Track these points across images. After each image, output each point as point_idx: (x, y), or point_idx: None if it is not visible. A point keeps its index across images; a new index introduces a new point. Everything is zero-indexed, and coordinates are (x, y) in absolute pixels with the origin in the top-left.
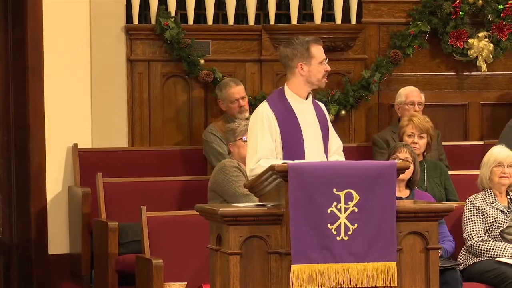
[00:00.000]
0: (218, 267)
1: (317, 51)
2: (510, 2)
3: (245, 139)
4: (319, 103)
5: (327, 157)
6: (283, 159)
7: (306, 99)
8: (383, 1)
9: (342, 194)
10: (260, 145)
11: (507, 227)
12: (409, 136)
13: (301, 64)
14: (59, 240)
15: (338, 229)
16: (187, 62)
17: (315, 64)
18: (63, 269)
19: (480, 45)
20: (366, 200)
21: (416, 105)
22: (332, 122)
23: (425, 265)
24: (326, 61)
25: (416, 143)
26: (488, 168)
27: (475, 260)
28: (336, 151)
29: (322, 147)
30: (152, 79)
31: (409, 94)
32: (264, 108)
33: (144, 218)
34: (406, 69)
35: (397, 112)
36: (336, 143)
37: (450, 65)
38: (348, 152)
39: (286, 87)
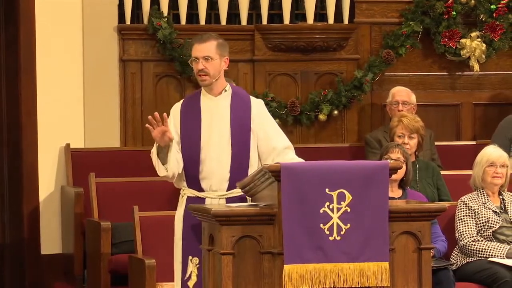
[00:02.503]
0: (210, 267)
1: (193, 49)
2: (502, 2)
3: None
4: (253, 99)
5: (241, 154)
6: (182, 151)
7: (221, 94)
8: (376, 1)
9: (334, 194)
10: None
11: (500, 227)
12: (399, 136)
13: (190, 61)
14: (51, 240)
15: (330, 229)
16: (180, 62)
17: (191, 62)
18: (55, 269)
19: (473, 45)
20: (358, 200)
21: (401, 104)
22: (324, 122)
23: (418, 265)
24: (205, 58)
25: (407, 144)
26: (481, 168)
27: (468, 260)
28: (284, 152)
29: (228, 143)
30: (144, 79)
31: (396, 93)
32: (177, 103)
33: (137, 218)
34: (398, 69)
35: (388, 112)
36: (281, 143)
37: (443, 65)
38: (340, 152)
39: None
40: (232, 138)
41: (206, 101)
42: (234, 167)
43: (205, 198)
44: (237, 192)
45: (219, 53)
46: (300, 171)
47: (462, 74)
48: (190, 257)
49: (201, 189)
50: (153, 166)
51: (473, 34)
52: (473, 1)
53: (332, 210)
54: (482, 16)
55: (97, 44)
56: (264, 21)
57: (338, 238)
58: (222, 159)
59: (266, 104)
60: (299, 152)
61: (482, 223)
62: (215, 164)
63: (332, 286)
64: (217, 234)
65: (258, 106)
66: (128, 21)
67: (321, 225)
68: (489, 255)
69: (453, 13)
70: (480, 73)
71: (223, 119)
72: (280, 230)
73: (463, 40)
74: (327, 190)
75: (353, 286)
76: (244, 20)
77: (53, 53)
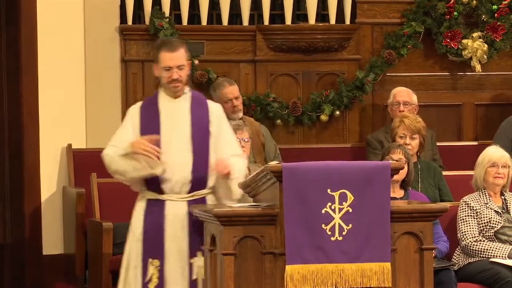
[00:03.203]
0: (212, 267)
1: (163, 57)
2: (504, 2)
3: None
4: (211, 103)
5: (201, 156)
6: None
7: (180, 97)
8: (377, 1)
9: (336, 194)
10: (116, 135)
11: (502, 227)
12: (401, 137)
13: (154, 66)
14: (53, 240)
15: (332, 229)
16: None
17: (160, 69)
18: (57, 270)
19: (474, 45)
20: (360, 201)
21: (402, 104)
22: (326, 122)
23: (420, 265)
24: (181, 67)
25: (408, 144)
26: (483, 168)
27: (470, 261)
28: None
29: (188, 145)
30: (146, 79)
31: (397, 94)
32: (136, 104)
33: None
34: (400, 69)
35: (389, 113)
36: (231, 151)
37: (444, 66)
38: (342, 153)
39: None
40: (192, 140)
41: (165, 103)
42: (195, 169)
43: (165, 201)
44: (199, 194)
45: (187, 58)
46: (302, 171)
47: (464, 75)
48: (150, 259)
49: (162, 192)
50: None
51: (475, 35)
52: (474, 2)
53: (334, 210)
54: (483, 16)
55: (98, 45)
56: (266, 21)
57: (340, 238)
58: (184, 161)
59: (268, 105)
60: (300, 152)
61: (484, 223)
62: (176, 166)
63: (334, 287)
64: (218, 234)
65: (217, 110)
66: (129, 22)
67: (323, 225)
68: (491, 255)
69: (455, 13)
70: (481, 73)
71: (183, 122)
72: (281, 231)
73: (464, 41)
74: (329, 190)
75: (355, 287)
76: (245, 21)
77: (54, 53)
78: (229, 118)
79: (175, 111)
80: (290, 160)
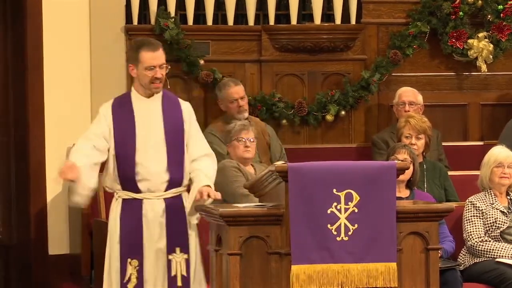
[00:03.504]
0: (218, 267)
1: (145, 56)
2: (509, 2)
3: (241, 139)
4: (182, 102)
5: (175, 155)
6: (116, 153)
7: (153, 96)
8: (383, 1)
9: (342, 194)
10: (89, 129)
11: (507, 227)
12: (407, 137)
13: (131, 66)
14: (58, 240)
15: (338, 229)
16: (187, 63)
17: (141, 69)
18: (62, 270)
19: (480, 45)
20: (366, 201)
21: (407, 105)
22: (331, 122)
23: (425, 265)
24: (163, 67)
25: (414, 144)
26: (488, 168)
27: (475, 261)
28: (201, 158)
29: (162, 144)
30: None
31: (402, 94)
32: (106, 104)
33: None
34: (405, 69)
35: (395, 113)
36: (200, 150)
37: (450, 66)
38: (347, 153)
39: (132, 86)
40: (166, 139)
41: (137, 102)
42: (171, 167)
43: (142, 200)
44: (174, 192)
45: (164, 58)
46: (308, 171)
47: (470, 75)
48: (129, 260)
49: (138, 191)
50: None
51: (480, 35)
52: (480, 2)
53: (339, 210)
54: (489, 16)
55: (104, 44)
56: (271, 21)
57: (346, 238)
58: (159, 160)
59: (273, 105)
60: (306, 152)
61: (490, 223)
62: (153, 165)
63: (339, 287)
64: (224, 234)
65: (188, 108)
66: (135, 22)
67: (329, 225)
68: (496, 255)
69: (460, 13)
70: (487, 73)
71: (157, 121)
72: (287, 231)
73: (470, 41)
74: (334, 190)
75: (360, 287)
76: (251, 21)
77: (60, 53)
78: (235, 118)
79: (148, 111)
80: (296, 160)
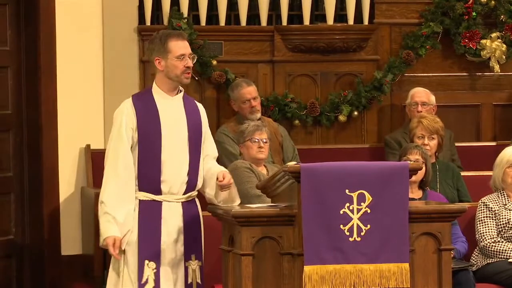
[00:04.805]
0: (230, 268)
1: (175, 46)
2: None
3: (255, 139)
4: (198, 104)
5: (195, 157)
6: (139, 151)
7: (176, 95)
8: (396, 1)
9: (354, 195)
10: (115, 156)
11: None
12: (419, 138)
13: (158, 59)
14: (71, 241)
15: (350, 230)
16: (200, 63)
17: (172, 59)
18: (75, 270)
19: (493, 45)
20: (378, 201)
21: (420, 105)
22: (344, 123)
23: (438, 266)
24: (192, 57)
25: (427, 145)
26: (501, 169)
27: (488, 261)
28: (210, 159)
29: (185, 145)
30: None
31: (414, 94)
32: (125, 103)
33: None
34: (418, 70)
35: (407, 113)
36: (212, 151)
37: (463, 66)
38: (360, 153)
39: (154, 83)
40: (189, 139)
41: (161, 100)
42: (191, 170)
43: (162, 202)
44: (190, 195)
45: None
46: (320, 172)
47: (482, 75)
48: (146, 261)
49: (159, 192)
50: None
51: (493, 35)
52: (493, 2)
53: (352, 211)
54: (502, 16)
55: (117, 45)
56: (284, 22)
57: (358, 239)
58: (182, 161)
59: (286, 105)
60: (319, 153)
61: (503, 224)
62: (176, 166)
63: (352, 287)
64: (237, 235)
65: (203, 110)
66: (148, 22)
67: (341, 226)
68: (509, 256)
69: (473, 13)
70: (500, 73)
71: (181, 120)
72: (300, 231)
73: (483, 41)
74: (347, 191)
75: (373, 287)
76: (264, 21)
77: (73, 54)
78: (247, 118)
79: (172, 109)
80: (308, 160)
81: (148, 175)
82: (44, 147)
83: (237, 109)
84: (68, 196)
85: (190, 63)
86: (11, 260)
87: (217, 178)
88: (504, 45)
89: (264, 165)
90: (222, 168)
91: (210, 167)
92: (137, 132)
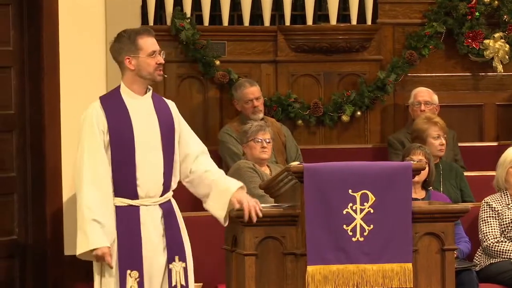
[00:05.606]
0: (233, 268)
1: (146, 43)
2: None
3: (258, 140)
4: (168, 101)
5: (169, 157)
6: (112, 154)
7: (145, 94)
8: (399, 2)
9: (357, 195)
10: (89, 158)
11: None
12: (435, 138)
13: (128, 58)
14: (74, 240)
15: (353, 230)
16: (203, 63)
17: (143, 57)
18: (78, 270)
19: (496, 45)
20: (381, 201)
21: (423, 104)
22: (347, 123)
23: (441, 266)
24: (161, 53)
25: (443, 145)
26: (504, 169)
27: (491, 261)
28: (202, 156)
29: (159, 145)
30: (167, 80)
31: (417, 93)
32: (94, 105)
33: None
34: (421, 70)
35: (410, 113)
36: (197, 147)
37: (466, 66)
38: (363, 153)
39: (121, 83)
40: (162, 139)
41: (130, 100)
42: (166, 170)
43: (139, 206)
44: (167, 197)
45: None
46: (323, 172)
47: (485, 75)
48: (128, 271)
49: (135, 196)
50: None
51: (497, 35)
52: (496, 2)
53: (355, 211)
54: (505, 16)
55: None
56: (287, 22)
57: (361, 239)
58: (157, 163)
59: (289, 105)
60: (322, 153)
61: (506, 224)
62: (151, 167)
63: (355, 287)
64: (240, 235)
65: (174, 107)
66: (151, 22)
67: (344, 226)
68: None
69: (476, 13)
70: (503, 74)
71: (152, 120)
72: (303, 231)
73: (486, 41)
74: (350, 191)
75: (376, 287)
76: (267, 21)
77: (76, 55)
78: (250, 118)
79: (142, 109)
80: (311, 160)
81: (123, 179)
82: (47, 147)
83: (240, 109)
84: (71, 196)
85: (161, 60)
86: (14, 260)
87: (231, 202)
88: (507, 45)
89: (267, 165)
90: (232, 181)
91: (215, 178)
92: (108, 134)
